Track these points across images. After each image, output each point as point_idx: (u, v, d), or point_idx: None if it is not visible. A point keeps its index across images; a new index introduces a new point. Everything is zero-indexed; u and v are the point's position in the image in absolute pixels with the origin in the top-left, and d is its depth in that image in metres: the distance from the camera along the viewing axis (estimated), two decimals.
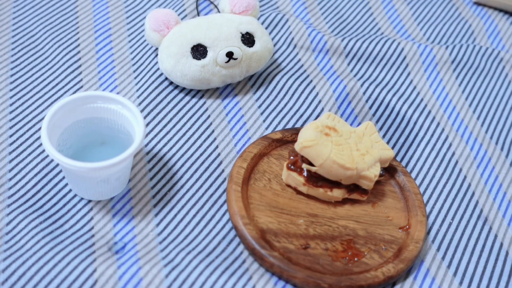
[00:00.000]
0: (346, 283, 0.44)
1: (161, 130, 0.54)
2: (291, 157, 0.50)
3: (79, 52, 0.59)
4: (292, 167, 0.49)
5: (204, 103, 0.57)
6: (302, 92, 0.59)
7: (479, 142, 0.58)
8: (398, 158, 0.55)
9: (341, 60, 0.64)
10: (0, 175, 0.48)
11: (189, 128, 0.55)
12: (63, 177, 0.49)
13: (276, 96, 0.59)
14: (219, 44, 0.55)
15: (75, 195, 0.48)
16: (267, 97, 0.58)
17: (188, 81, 0.55)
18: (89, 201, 0.48)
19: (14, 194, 0.47)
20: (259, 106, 0.57)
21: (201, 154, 0.53)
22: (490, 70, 0.66)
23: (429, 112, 0.59)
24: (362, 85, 0.60)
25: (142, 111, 0.55)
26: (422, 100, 0.61)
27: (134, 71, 0.58)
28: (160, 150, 0.52)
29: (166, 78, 0.58)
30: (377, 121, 0.58)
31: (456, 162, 0.56)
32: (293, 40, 0.64)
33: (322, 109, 0.58)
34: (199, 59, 0.55)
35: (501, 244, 0.51)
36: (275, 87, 0.59)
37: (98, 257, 0.44)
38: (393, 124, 0.58)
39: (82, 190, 0.47)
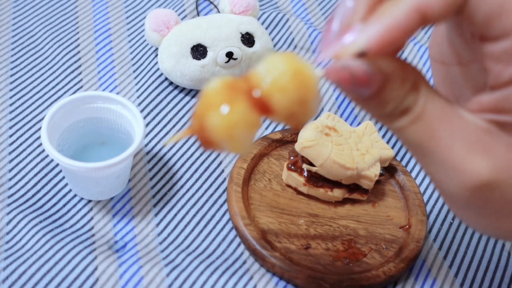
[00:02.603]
0: (348, 283, 0.44)
1: (161, 130, 0.54)
2: (291, 158, 0.50)
3: (79, 52, 0.59)
4: (292, 167, 0.49)
5: None
6: None
7: None
8: (398, 158, 0.55)
9: None
10: (0, 175, 0.48)
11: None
12: (63, 177, 0.49)
13: None
14: (219, 44, 0.55)
15: (75, 195, 0.48)
16: None
17: (188, 81, 0.55)
18: (89, 201, 0.48)
19: (14, 194, 0.47)
20: None
21: (201, 154, 0.53)
22: None
23: None
24: None
25: (142, 111, 0.55)
26: None
27: (134, 71, 0.58)
28: (160, 150, 0.52)
29: (166, 78, 0.58)
30: (377, 121, 0.58)
31: None
32: (293, 41, 0.64)
33: (322, 109, 0.58)
34: (199, 59, 0.55)
35: (503, 246, 0.50)
36: None
37: (99, 255, 0.44)
38: None
39: (82, 190, 0.47)
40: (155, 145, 0.53)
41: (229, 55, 0.55)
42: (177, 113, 0.56)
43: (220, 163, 0.52)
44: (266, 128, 0.56)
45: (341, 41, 0.27)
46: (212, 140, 0.29)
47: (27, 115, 0.53)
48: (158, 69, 0.59)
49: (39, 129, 0.52)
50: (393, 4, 0.26)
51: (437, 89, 0.29)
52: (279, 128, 0.56)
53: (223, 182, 0.51)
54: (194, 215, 0.48)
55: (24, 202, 0.47)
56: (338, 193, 0.49)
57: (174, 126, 0.54)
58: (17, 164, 0.49)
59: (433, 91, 0.28)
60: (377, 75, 0.27)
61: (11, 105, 0.54)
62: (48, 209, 0.47)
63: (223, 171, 0.52)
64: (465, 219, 0.32)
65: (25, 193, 0.47)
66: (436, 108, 0.28)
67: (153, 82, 0.58)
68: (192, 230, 0.47)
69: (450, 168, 0.28)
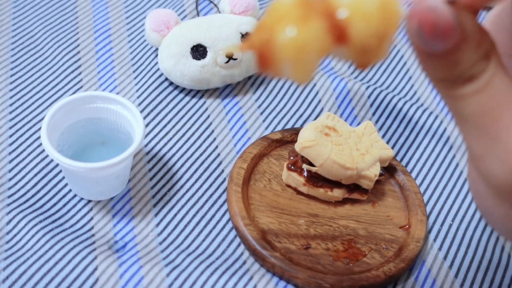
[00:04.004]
0: (348, 283, 0.44)
1: (161, 130, 0.54)
2: (291, 158, 0.50)
3: (79, 52, 0.59)
4: (292, 167, 0.49)
5: (204, 103, 0.57)
6: (302, 92, 0.59)
7: None
8: (398, 158, 0.55)
9: (341, 63, 0.64)
10: (0, 175, 0.48)
11: (189, 128, 0.55)
12: (63, 177, 0.49)
13: (275, 96, 0.59)
14: (219, 44, 0.55)
15: (75, 195, 0.48)
16: (267, 97, 0.58)
17: (188, 81, 0.55)
18: (89, 201, 0.48)
19: (14, 194, 0.47)
20: (259, 106, 0.57)
21: (201, 154, 0.53)
22: None
23: (431, 112, 0.59)
24: (362, 84, 0.60)
25: (142, 111, 0.55)
26: (421, 99, 0.61)
27: (134, 71, 0.58)
28: (160, 150, 0.52)
29: (166, 78, 0.58)
30: (377, 121, 0.58)
31: (457, 165, 0.55)
32: None
33: (322, 109, 0.58)
34: (199, 59, 0.55)
35: (503, 248, 0.50)
36: (274, 87, 0.59)
37: (99, 255, 0.44)
38: (393, 124, 0.58)
39: (82, 190, 0.47)
40: (155, 145, 0.53)
41: (229, 55, 0.55)
42: (177, 113, 0.56)
43: (220, 163, 0.52)
44: (266, 128, 0.56)
45: None
46: (275, 59, 0.26)
47: (27, 115, 0.53)
48: (158, 69, 0.59)
49: (39, 129, 0.52)
50: None
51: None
52: (279, 128, 0.56)
53: (223, 182, 0.51)
54: (194, 215, 0.48)
55: (24, 202, 0.47)
56: (338, 193, 0.49)
57: (174, 126, 0.54)
58: (17, 164, 0.49)
59: (502, 65, 0.27)
60: (458, 29, 0.25)
61: (11, 105, 0.54)
62: (48, 209, 0.47)
63: (223, 171, 0.52)
64: (496, 216, 0.30)
65: (25, 193, 0.47)
66: (503, 82, 0.26)
67: (153, 82, 0.58)
68: (192, 230, 0.47)
69: (503, 149, 0.26)
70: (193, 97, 0.57)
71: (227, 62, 0.55)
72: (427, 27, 0.25)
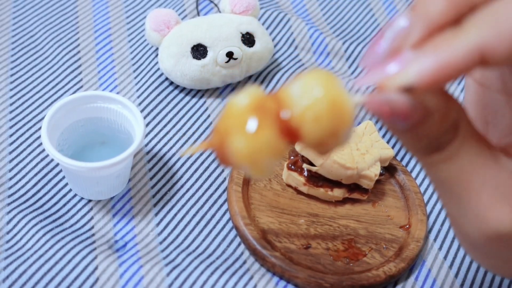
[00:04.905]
0: (348, 283, 0.44)
1: (161, 130, 0.54)
2: (291, 157, 0.50)
3: (79, 52, 0.59)
4: (292, 167, 0.49)
5: (204, 103, 0.57)
6: None
7: None
8: (398, 158, 0.55)
9: (341, 63, 0.64)
10: (0, 174, 0.48)
11: (189, 128, 0.55)
12: (63, 177, 0.49)
13: None
14: (219, 44, 0.55)
15: (75, 195, 0.48)
16: None
17: (188, 81, 0.55)
18: (89, 200, 0.48)
19: (14, 194, 0.47)
20: None
21: (201, 154, 0.53)
22: None
23: None
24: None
25: (142, 111, 0.55)
26: None
27: (134, 71, 0.58)
28: (160, 150, 0.52)
29: (166, 78, 0.58)
30: (377, 121, 0.58)
31: None
32: (294, 41, 0.64)
33: None
34: (199, 59, 0.55)
35: None
36: (275, 87, 0.59)
37: (99, 255, 0.44)
38: None
39: (82, 189, 0.47)
40: (155, 145, 0.53)
41: (229, 55, 0.55)
42: (177, 113, 0.56)
43: None
44: None
45: (387, 69, 0.25)
46: (232, 161, 0.27)
47: (27, 115, 0.53)
48: (158, 69, 0.59)
49: (39, 129, 0.52)
50: (453, 36, 0.23)
51: (476, 128, 0.27)
52: None
53: (223, 182, 0.51)
54: (194, 215, 0.48)
55: (24, 202, 0.47)
56: (338, 193, 0.49)
57: (174, 126, 0.54)
58: (17, 164, 0.49)
59: (471, 132, 0.26)
60: (418, 110, 0.25)
61: (11, 105, 0.54)
62: (48, 209, 0.47)
63: (223, 171, 0.52)
64: (475, 258, 0.32)
65: (25, 193, 0.47)
66: (471, 150, 0.26)
67: (153, 82, 0.58)
68: (192, 230, 0.47)
69: (473, 213, 0.27)
70: (193, 97, 0.57)
71: (228, 61, 0.55)
72: (384, 116, 0.25)
